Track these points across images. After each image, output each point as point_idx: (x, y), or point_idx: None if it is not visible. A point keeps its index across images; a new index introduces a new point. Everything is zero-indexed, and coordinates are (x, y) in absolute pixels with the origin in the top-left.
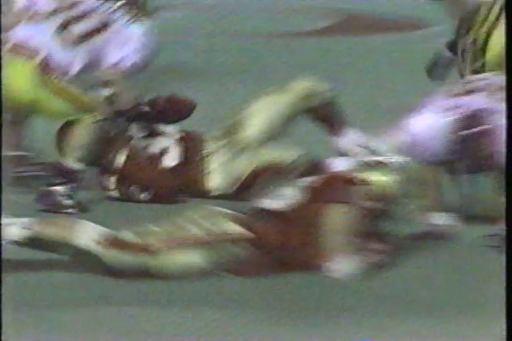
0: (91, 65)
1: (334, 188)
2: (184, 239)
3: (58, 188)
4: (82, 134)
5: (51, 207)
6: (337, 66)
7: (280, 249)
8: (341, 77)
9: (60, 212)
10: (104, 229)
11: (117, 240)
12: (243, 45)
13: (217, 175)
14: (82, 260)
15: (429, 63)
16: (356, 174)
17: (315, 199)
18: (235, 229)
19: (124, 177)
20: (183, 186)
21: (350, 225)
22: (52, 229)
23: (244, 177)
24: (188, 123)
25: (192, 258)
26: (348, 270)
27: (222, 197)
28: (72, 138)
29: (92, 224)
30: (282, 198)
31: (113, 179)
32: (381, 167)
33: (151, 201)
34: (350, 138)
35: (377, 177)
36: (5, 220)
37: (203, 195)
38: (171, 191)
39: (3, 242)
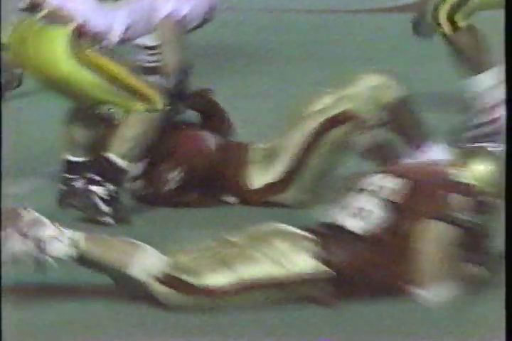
0: (137, 25)
1: (429, 199)
2: (256, 282)
3: (97, 189)
4: (133, 125)
5: (84, 209)
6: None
7: (363, 279)
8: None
9: (94, 219)
10: (165, 259)
11: (178, 280)
12: (309, 23)
13: (260, 166)
14: (131, 290)
15: (415, 17)
16: (454, 169)
17: (406, 216)
18: (311, 265)
19: (155, 159)
20: (218, 173)
21: (448, 245)
22: (104, 250)
23: (304, 138)
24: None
25: (260, 298)
26: (443, 298)
27: (266, 192)
28: (120, 130)
29: (152, 251)
30: (364, 216)
31: (141, 164)
32: (482, 156)
33: (179, 185)
34: (434, 154)
35: (479, 170)
36: (48, 232)
37: (242, 187)
38: (205, 172)
39: (48, 258)
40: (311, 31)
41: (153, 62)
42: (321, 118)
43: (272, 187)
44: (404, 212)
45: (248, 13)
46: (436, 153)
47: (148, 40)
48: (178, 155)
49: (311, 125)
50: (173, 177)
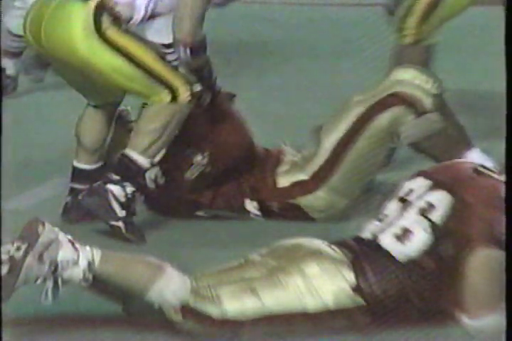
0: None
1: (481, 224)
2: (282, 314)
3: (114, 188)
4: (154, 118)
5: (96, 210)
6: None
7: (403, 307)
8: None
9: (105, 221)
10: (189, 285)
11: (198, 312)
12: (337, 17)
13: (293, 165)
14: (144, 318)
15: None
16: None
17: (454, 242)
18: (343, 294)
19: (179, 144)
20: (245, 168)
21: (500, 272)
22: (123, 272)
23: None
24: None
25: (285, 330)
26: (492, 328)
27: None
28: (140, 124)
29: (177, 276)
30: (408, 240)
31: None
32: None
33: (200, 175)
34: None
35: None
36: (65, 254)
37: (268, 185)
38: (231, 159)
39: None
40: (339, 26)
41: (171, 61)
42: (367, 104)
43: (300, 186)
44: (453, 237)
45: (266, 6)
46: (474, 158)
47: (165, 38)
48: (208, 141)
49: (356, 112)
50: (198, 161)
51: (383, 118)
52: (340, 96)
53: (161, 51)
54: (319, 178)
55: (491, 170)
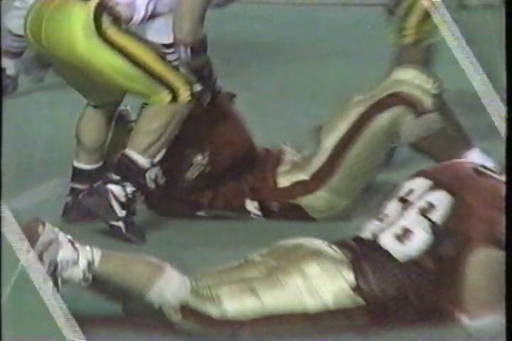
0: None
1: (481, 224)
2: (282, 314)
3: (114, 187)
4: (154, 118)
5: (96, 210)
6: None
7: (403, 306)
8: None
9: (105, 221)
10: (188, 285)
11: (198, 312)
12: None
13: (294, 165)
14: (144, 318)
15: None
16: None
17: (454, 242)
18: (343, 294)
19: (180, 144)
20: (245, 167)
21: (500, 272)
22: (122, 272)
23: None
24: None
25: (285, 330)
26: (492, 328)
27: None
28: (140, 123)
29: (176, 276)
30: (408, 239)
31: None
32: None
33: (201, 175)
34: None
35: None
36: (65, 253)
37: (268, 185)
38: (231, 159)
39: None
40: (339, 26)
41: (172, 61)
42: (367, 104)
43: (300, 186)
44: (453, 237)
45: (266, 6)
46: (474, 158)
47: (165, 38)
48: (208, 141)
49: (356, 112)
50: (198, 161)
51: (383, 118)
52: (340, 96)
53: (161, 51)
54: (320, 178)
55: (491, 170)
